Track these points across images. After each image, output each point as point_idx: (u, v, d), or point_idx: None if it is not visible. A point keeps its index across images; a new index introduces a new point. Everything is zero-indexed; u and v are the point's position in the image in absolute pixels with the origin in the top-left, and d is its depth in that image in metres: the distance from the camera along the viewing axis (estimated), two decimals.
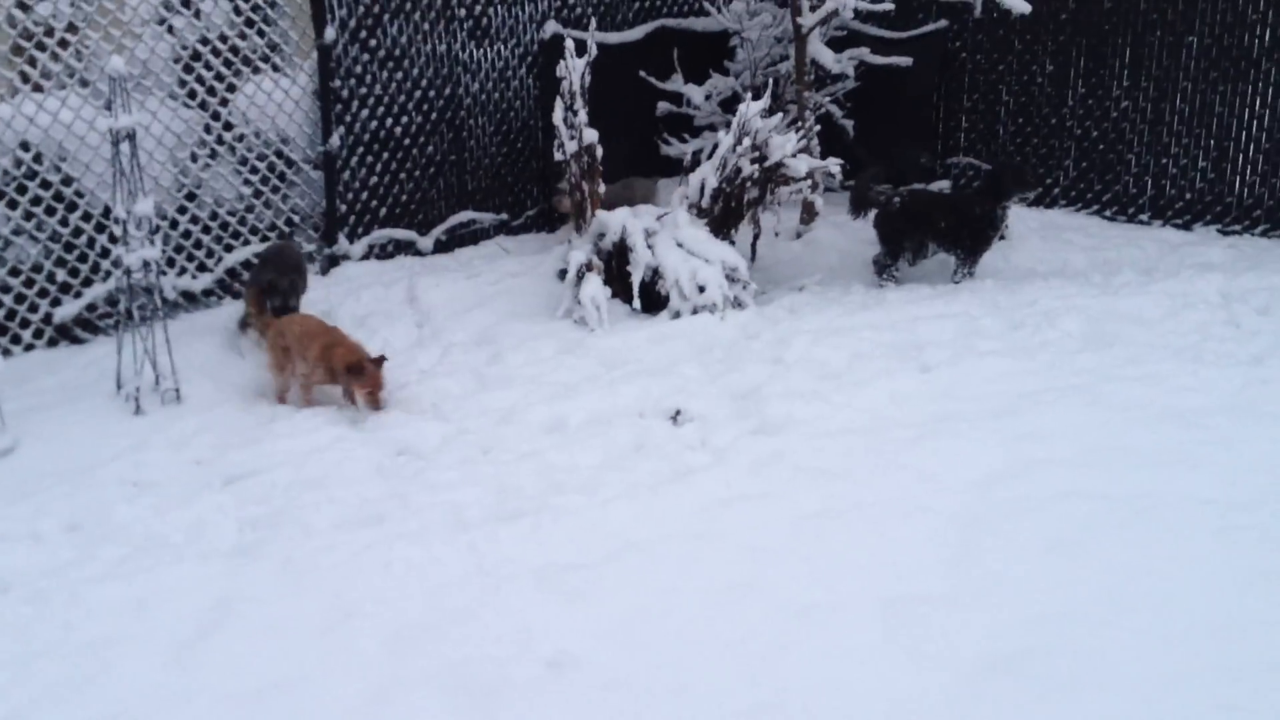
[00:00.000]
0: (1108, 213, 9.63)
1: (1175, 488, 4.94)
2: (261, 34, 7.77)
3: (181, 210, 7.55)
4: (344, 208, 8.36)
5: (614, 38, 9.65)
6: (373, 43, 8.26)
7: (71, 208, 7.02)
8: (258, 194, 7.91)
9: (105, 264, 7.12)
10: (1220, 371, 6.15)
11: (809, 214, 9.21)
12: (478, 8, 8.88)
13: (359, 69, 8.22)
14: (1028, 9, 8.40)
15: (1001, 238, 8.69)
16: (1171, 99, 9.14)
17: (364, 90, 8.29)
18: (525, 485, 5.26)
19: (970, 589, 4.28)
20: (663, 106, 10.12)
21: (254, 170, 7.88)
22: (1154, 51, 9.13)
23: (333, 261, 8.33)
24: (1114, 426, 5.57)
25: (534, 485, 5.26)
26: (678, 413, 6.07)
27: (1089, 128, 9.56)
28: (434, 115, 8.81)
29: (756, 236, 8.45)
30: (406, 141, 8.68)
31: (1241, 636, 3.93)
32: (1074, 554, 4.48)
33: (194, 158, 7.60)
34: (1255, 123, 8.87)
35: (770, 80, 8.50)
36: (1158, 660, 3.82)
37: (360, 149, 8.39)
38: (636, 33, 9.91)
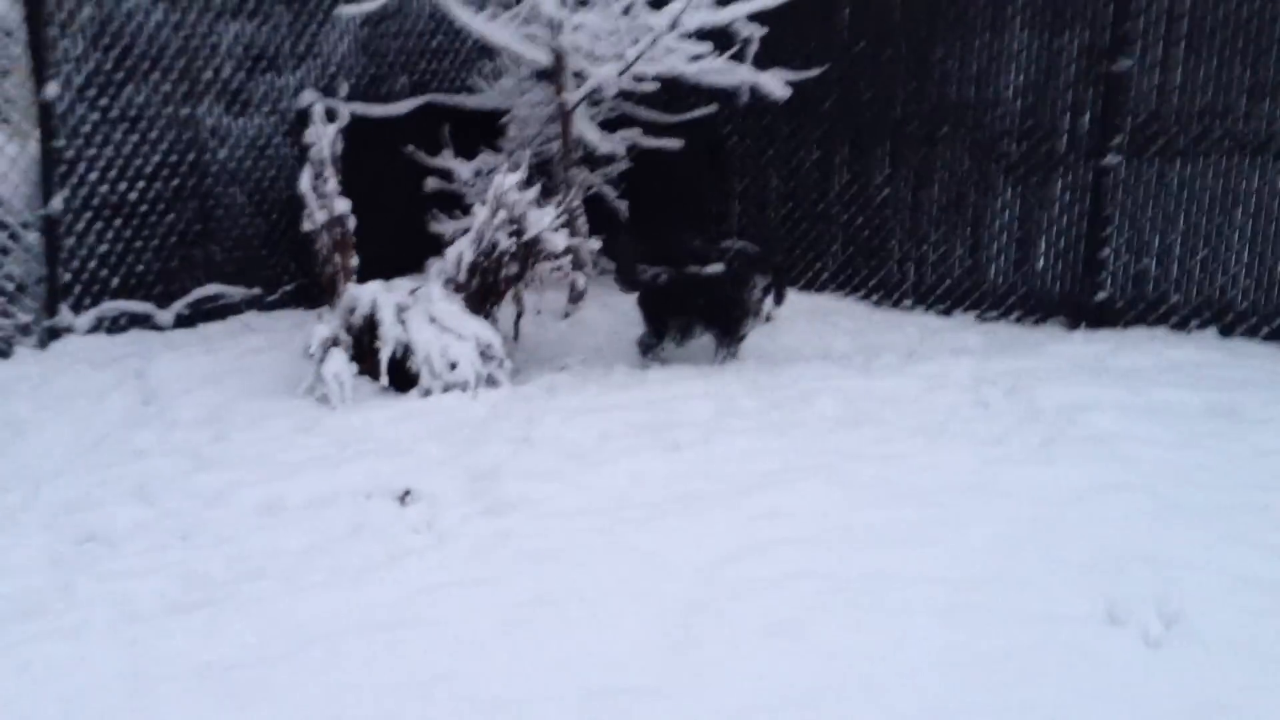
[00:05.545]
0: (874, 297, 9.74)
1: (905, 567, 4.79)
2: None
3: None
4: (69, 276, 7.69)
5: (379, 110, 9.34)
6: (104, 103, 7.70)
7: None
8: None
9: None
10: (962, 450, 6.13)
11: (575, 293, 9.00)
12: (226, 72, 8.44)
13: (88, 129, 7.64)
14: (785, 94, 8.48)
15: (768, 319, 8.66)
16: (929, 189, 9.37)
17: (93, 152, 7.69)
18: (216, 572, 4.74)
19: (682, 678, 3.98)
20: (432, 183, 9.82)
21: None
22: (912, 142, 9.36)
23: (53, 334, 7.63)
24: (852, 505, 5.43)
25: (226, 572, 4.74)
26: (407, 492, 5.67)
27: (854, 214, 9.69)
28: (176, 182, 8.25)
29: (519, 315, 8.20)
30: (144, 209, 8.09)
31: None
32: (795, 636, 4.25)
33: None
34: (1006, 212, 9.16)
35: (530, 156, 8.30)
36: None
37: (89, 214, 7.75)
38: (404, 106, 9.61)
